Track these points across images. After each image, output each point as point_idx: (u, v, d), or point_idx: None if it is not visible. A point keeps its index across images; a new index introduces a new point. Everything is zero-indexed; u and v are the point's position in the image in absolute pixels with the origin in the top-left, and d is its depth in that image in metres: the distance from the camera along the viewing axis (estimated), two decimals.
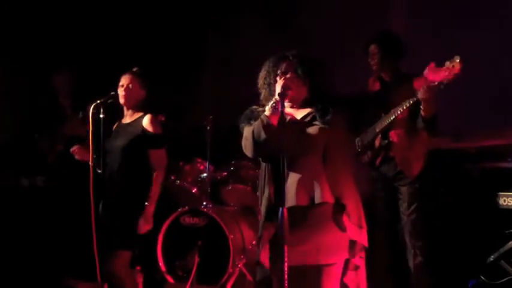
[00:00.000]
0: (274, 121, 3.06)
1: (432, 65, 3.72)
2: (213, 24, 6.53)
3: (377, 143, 4.38)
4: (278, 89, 3.08)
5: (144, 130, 4.05)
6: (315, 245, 3.01)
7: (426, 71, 3.78)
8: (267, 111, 3.09)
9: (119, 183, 4.03)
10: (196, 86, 6.33)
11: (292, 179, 3.07)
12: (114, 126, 4.28)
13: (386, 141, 4.34)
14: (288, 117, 3.14)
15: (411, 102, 4.03)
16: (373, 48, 4.46)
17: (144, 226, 4.00)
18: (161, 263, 5.19)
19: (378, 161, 4.41)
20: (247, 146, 3.15)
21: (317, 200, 3.01)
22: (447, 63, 3.65)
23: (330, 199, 3.03)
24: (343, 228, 3.03)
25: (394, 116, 4.18)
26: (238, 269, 5.00)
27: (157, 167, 4.06)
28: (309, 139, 3.08)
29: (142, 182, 4.03)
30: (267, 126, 3.06)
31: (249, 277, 4.94)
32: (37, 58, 5.89)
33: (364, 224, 3.12)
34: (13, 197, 5.44)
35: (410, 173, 4.32)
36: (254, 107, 3.27)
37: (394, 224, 4.44)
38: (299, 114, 3.20)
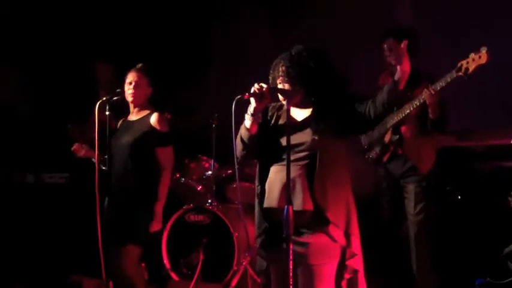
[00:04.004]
0: (253, 129, 3.13)
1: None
2: (219, 22, 6.52)
3: (387, 138, 4.32)
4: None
5: (151, 128, 4.04)
6: (303, 248, 3.02)
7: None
8: (246, 119, 3.13)
9: (126, 180, 4.01)
10: (202, 84, 6.32)
11: (277, 179, 3.10)
12: (119, 124, 4.26)
13: (397, 136, 4.27)
14: (285, 121, 3.14)
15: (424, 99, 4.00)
16: (390, 40, 4.36)
17: (155, 226, 4.00)
18: (166, 260, 5.19)
19: (385, 158, 4.35)
20: (236, 147, 3.18)
21: (297, 206, 3.00)
22: (472, 55, 3.64)
23: (310, 207, 3.02)
24: (331, 237, 3.02)
25: (408, 111, 4.13)
26: (243, 266, 4.99)
27: (165, 165, 4.06)
28: (299, 145, 3.07)
29: (150, 179, 4.02)
30: (247, 135, 3.13)
31: (253, 275, 4.92)
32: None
33: (354, 231, 3.10)
34: (19, 193, 5.46)
35: (421, 170, 4.27)
36: (272, 104, 3.29)
37: (399, 223, 4.39)
38: (301, 114, 3.20)
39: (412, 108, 4.10)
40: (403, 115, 4.16)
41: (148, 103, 4.17)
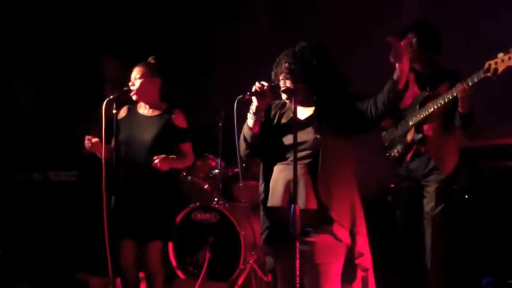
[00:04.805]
0: (256, 128, 3.14)
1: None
2: (219, 22, 6.53)
3: (409, 137, 4.21)
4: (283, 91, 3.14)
5: (172, 125, 4.04)
6: (309, 246, 3.04)
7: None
8: (249, 118, 3.15)
9: (145, 176, 3.98)
10: (208, 82, 6.34)
11: (280, 177, 3.12)
12: (124, 115, 4.13)
13: (420, 135, 4.15)
14: (289, 118, 3.17)
15: (452, 95, 3.90)
16: (410, 36, 4.23)
17: (162, 164, 3.90)
18: (172, 259, 5.20)
19: (408, 157, 4.24)
20: (240, 146, 3.21)
21: (300, 205, 3.00)
22: (501, 55, 3.59)
23: (313, 205, 3.04)
24: (335, 236, 3.03)
25: (432, 109, 4.03)
26: (249, 265, 5.00)
27: (188, 156, 4.13)
28: (301, 144, 3.07)
29: (170, 175, 4.04)
30: (250, 134, 3.15)
31: (260, 273, 4.95)
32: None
33: (361, 230, 3.10)
34: (25, 191, 5.47)
35: (444, 169, 4.17)
36: (275, 102, 3.29)
37: (417, 223, 4.31)
38: (304, 112, 3.21)
39: (436, 107, 4.01)
40: (427, 113, 4.07)
41: (161, 99, 4.14)
